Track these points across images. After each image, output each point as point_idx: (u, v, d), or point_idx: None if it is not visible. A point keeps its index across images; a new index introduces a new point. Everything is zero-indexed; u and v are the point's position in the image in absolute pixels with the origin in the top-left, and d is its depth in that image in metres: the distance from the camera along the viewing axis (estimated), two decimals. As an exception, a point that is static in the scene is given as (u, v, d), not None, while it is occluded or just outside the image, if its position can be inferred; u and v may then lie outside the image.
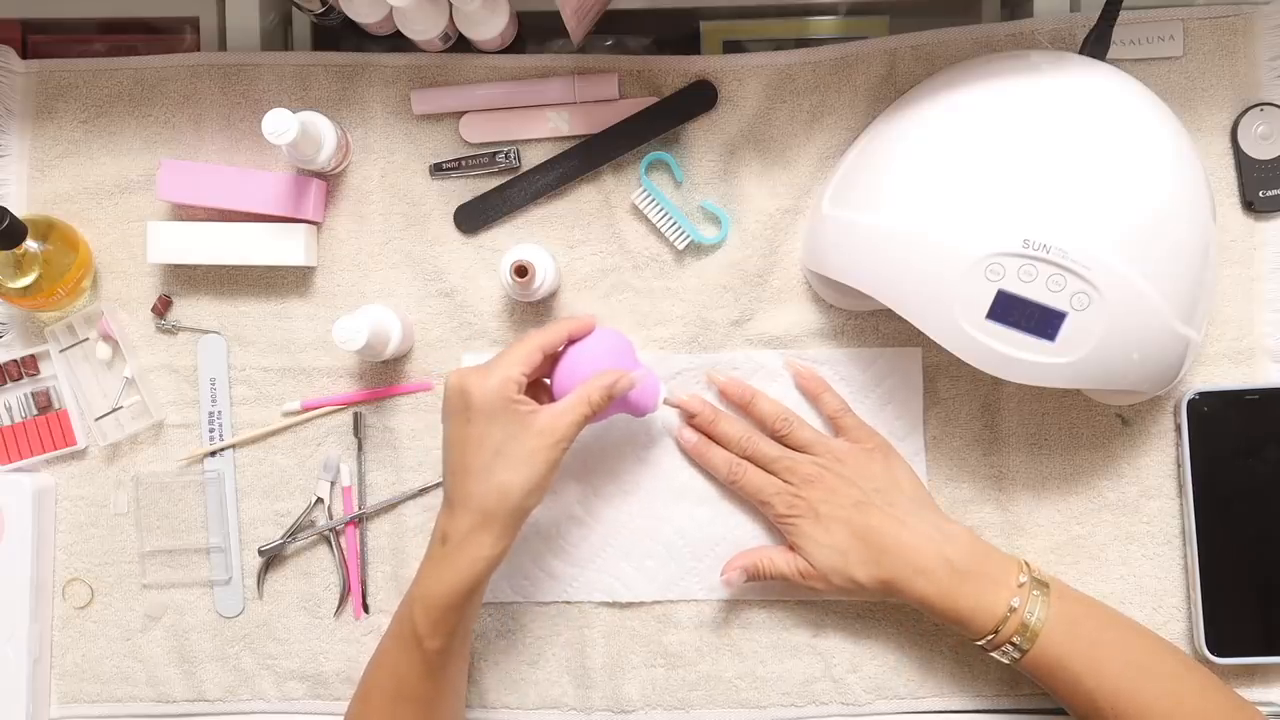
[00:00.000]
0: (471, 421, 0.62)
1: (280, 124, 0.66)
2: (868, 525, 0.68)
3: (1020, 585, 0.65)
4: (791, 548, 0.71)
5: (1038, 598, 0.65)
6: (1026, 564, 0.67)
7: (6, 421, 0.76)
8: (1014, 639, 0.65)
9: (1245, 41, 0.74)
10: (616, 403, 0.67)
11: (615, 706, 0.74)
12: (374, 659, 0.67)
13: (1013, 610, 0.65)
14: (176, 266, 0.76)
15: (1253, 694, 0.72)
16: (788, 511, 0.71)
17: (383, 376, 0.76)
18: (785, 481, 0.71)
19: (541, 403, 0.66)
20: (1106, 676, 0.64)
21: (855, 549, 0.69)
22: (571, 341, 0.68)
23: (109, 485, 0.77)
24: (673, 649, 0.74)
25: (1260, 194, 0.73)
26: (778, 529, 0.73)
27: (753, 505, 0.74)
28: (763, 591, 0.74)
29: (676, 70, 0.75)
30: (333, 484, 0.76)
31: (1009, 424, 0.74)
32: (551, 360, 0.68)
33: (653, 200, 0.75)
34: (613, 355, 0.68)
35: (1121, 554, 0.73)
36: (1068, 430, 0.74)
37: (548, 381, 0.70)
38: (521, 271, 0.69)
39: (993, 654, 0.66)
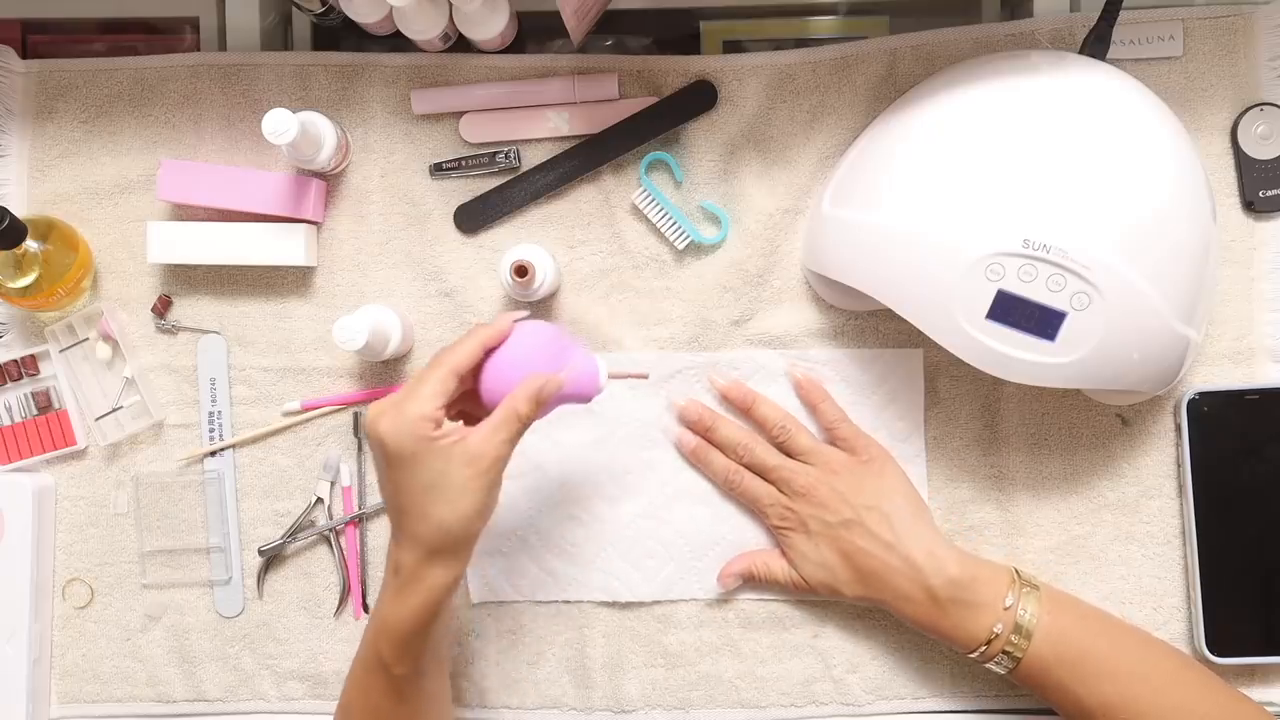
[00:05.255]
0: (393, 466, 0.58)
1: (280, 124, 0.66)
2: (855, 547, 0.69)
3: (1006, 609, 0.65)
4: (785, 556, 0.72)
5: (1025, 616, 0.65)
6: (1018, 574, 0.67)
7: (6, 421, 0.76)
8: (997, 659, 0.66)
9: (1245, 41, 0.74)
10: (554, 397, 0.62)
11: (615, 706, 0.74)
12: (349, 679, 0.65)
13: (995, 635, 0.65)
14: (176, 266, 0.76)
15: (1253, 694, 0.72)
16: (780, 523, 0.71)
17: (383, 376, 0.76)
18: (781, 492, 0.71)
19: (476, 414, 0.62)
20: (1097, 687, 0.64)
21: (842, 568, 0.69)
22: (490, 349, 0.62)
23: (109, 485, 0.77)
24: (673, 649, 0.74)
25: (1260, 194, 0.73)
26: (773, 537, 0.73)
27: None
28: (761, 590, 0.74)
29: (676, 70, 0.75)
30: (333, 484, 0.76)
31: (1009, 424, 0.74)
32: (476, 371, 0.62)
33: (653, 200, 0.75)
34: (538, 352, 0.62)
35: (1121, 554, 0.73)
36: (1068, 430, 0.74)
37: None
38: (521, 271, 0.69)
39: (985, 665, 0.67)
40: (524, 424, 0.60)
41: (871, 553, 0.68)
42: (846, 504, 0.69)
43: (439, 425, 0.58)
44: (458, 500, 0.58)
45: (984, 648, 0.66)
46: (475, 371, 0.62)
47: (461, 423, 0.60)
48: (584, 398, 0.65)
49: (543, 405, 0.61)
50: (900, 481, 0.71)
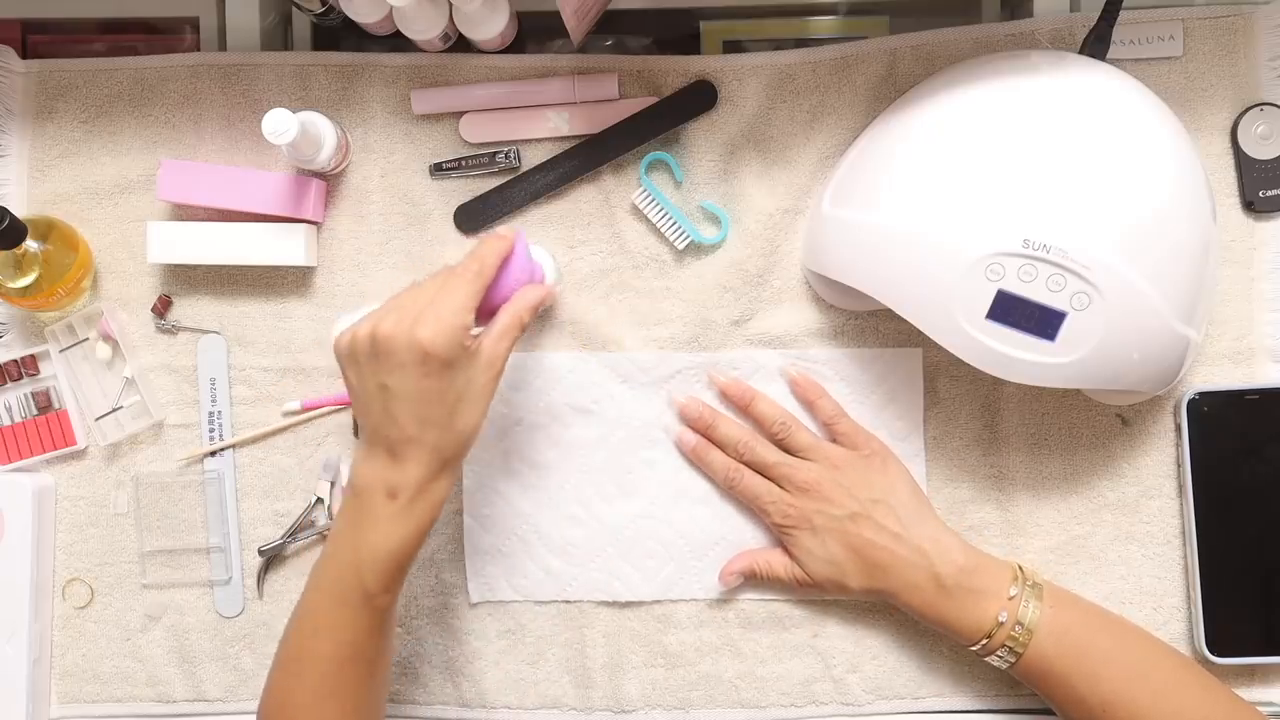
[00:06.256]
0: (430, 375, 0.58)
1: (280, 124, 0.66)
2: (863, 540, 0.69)
3: (1011, 598, 0.66)
4: (788, 553, 0.72)
5: (1028, 609, 0.65)
6: (1021, 569, 0.67)
7: (6, 421, 0.76)
8: (1000, 650, 0.66)
9: (1245, 41, 0.74)
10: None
11: (615, 706, 0.74)
12: (302, 628, 0.62)
13: (1000, 624, 0.65)
14: (176, 266, 0.76)
15: (1253, 694, 0.72)
16: (783, 521, 0.71)
17: (383, 376, 0.76)
18: (782, 489, 0.71)
19: None
20: (1099, 684, 0.64)
21: (850, 561, 0.69)
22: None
23: (109, 485, 0.77)
24: (673, 649, 0.74)
25: (1260, 194, 0.73)
26: (774, 535, 0.73)
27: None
28: (762, 590, 0.74)
29: (676, 70, 0.75)
30: (333, 484, 0.76)
31: (1009, 424, 0.74)
32: None
33: (653, 200, 0.75)
34: (524, 264, 0.65)
35: (1121, 554, 0.73)
36: (1068, 430, 0.74)
37: None
38: (522, 271, 0.69)
39: (987, 659, 0.67)
40: (523, 331, 0.63)
41: (880, 544, 0.68)
42: (852, 498, 0.69)
43: (469, 333, 0.60)
44: (477, 404, 0.60)
45: (987, 640, 0.66)
46: None
47: None
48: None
49: (537, 313, 0.65)
50: (902, 474, 0.71)
